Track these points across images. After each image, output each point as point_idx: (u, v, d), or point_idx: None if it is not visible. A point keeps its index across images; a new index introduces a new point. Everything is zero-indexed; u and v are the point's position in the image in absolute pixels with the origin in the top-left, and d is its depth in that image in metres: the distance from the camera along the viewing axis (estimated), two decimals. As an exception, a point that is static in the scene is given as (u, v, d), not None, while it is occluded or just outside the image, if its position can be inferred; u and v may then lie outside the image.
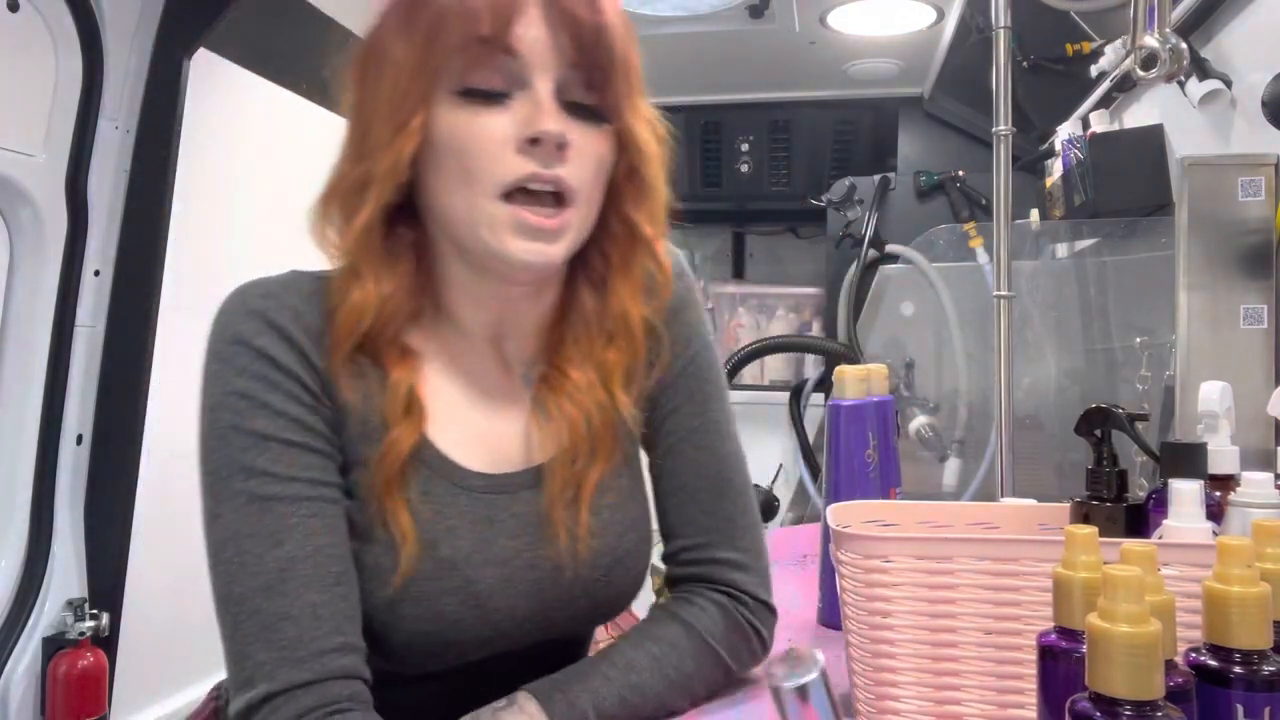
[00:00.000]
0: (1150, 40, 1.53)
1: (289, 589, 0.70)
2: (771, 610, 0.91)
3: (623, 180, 0.82)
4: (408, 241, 0.80)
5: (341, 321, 0.76)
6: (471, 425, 0.83)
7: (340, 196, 0.77)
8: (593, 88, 0.76)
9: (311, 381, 0.76)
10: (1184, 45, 1.56)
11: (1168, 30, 1.54)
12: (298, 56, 2.48)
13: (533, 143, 0.72)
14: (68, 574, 1.86)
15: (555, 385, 0.84)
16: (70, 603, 1.85)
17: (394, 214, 0.78)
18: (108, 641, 1.88)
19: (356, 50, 0.79)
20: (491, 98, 0.74)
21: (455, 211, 0.75)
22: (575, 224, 0.77)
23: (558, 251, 0.76)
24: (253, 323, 0.75)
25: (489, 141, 0.73)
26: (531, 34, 0.73)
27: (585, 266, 0.85)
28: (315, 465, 0.75)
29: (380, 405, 0.78)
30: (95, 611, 1.87)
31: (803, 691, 0.53)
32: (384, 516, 0.76)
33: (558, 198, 0.75)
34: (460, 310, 0.83)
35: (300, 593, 0.70)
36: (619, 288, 0.85)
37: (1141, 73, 1.55)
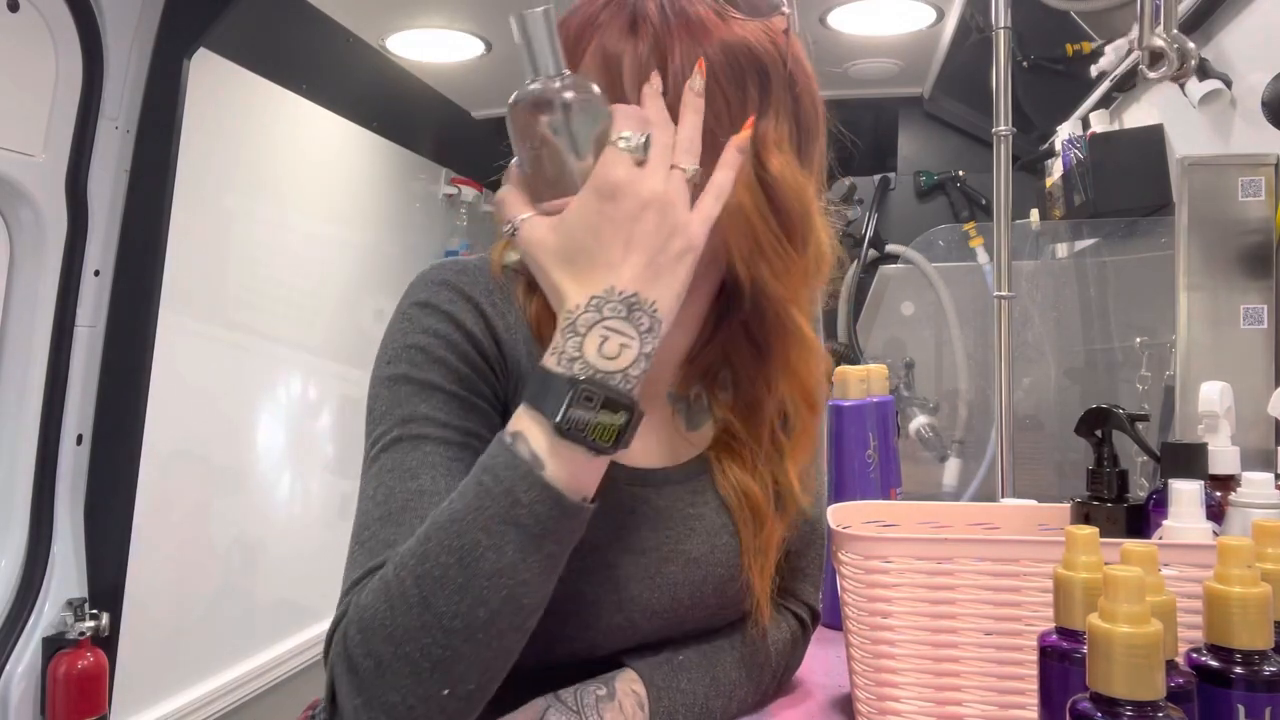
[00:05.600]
0: (1157, 40, 1.53)
1: (405, 519, 0.69)
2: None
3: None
4: None
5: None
6: None
7: None
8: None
9: (491, 348, 0.78)
10: (1191, 45, 1.56)
11: (1175, 30, 1.54)
12: (298, 56, 2.48)
13: None
14: (68, 574, 1.86)
15: (724, 422, 0.86)
16: (70, 603, 1.85)
17: None
18: (108, 641, 1.88)
19: None
20: None
21: None
22: None
23: None
24: (444, 291, 0.78)
25: None
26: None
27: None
28: (475, 419, 0.76)
29: None
30: (95, 611, 1.86)
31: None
32: None
33: None
34: None
35: (414, 524, 0.68)
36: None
37: (1150, 73, 1.55)
